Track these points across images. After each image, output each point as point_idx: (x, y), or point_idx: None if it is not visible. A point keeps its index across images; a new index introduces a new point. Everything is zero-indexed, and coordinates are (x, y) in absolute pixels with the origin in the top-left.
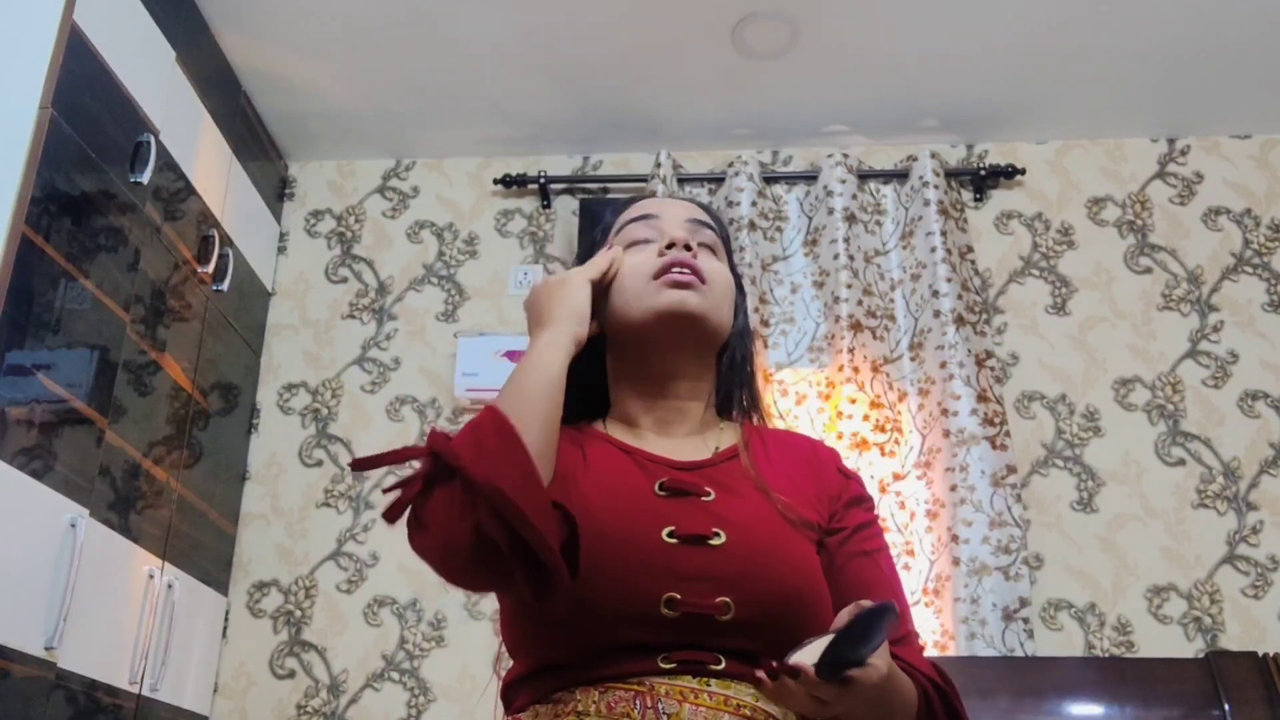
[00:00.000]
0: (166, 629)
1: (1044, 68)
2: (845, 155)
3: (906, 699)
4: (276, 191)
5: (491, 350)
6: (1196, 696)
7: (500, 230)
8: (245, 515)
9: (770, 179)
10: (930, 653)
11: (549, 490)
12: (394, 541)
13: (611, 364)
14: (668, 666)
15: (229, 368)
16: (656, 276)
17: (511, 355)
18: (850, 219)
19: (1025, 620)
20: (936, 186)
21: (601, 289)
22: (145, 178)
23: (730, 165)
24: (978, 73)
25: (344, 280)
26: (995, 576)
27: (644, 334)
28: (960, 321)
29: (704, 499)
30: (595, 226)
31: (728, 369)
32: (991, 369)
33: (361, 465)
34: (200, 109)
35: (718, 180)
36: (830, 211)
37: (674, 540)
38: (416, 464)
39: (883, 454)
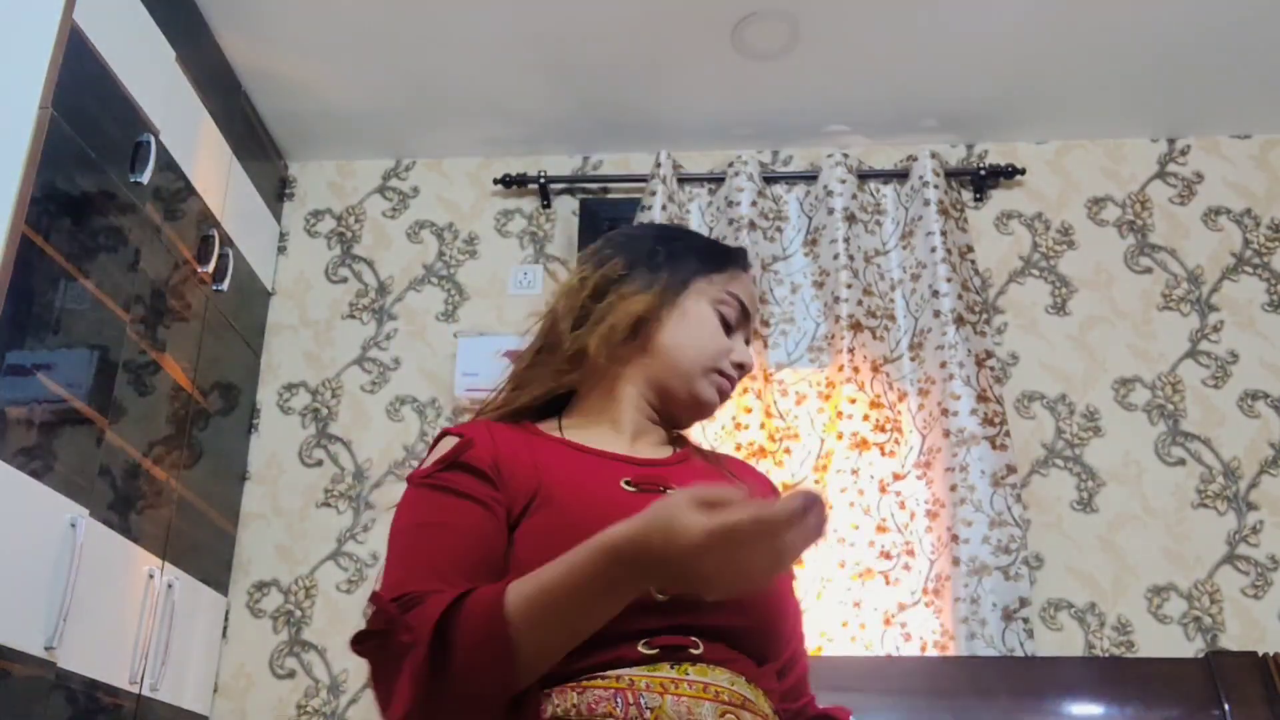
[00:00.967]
0: (166, 629)
1: (1044, 68)
2: (845, 155)
3: None
4: (276, 191)
5: (491, 350)
6: (1196, 696)
7: (500, 230)
8: (245, 515)
9: (770, 179)
10: (930, 653)
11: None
12: None
13: (623, 367)
14: (649, 652)
15: (229, 368)
16: (715, 369)
17: (512, 355)
18: (850, 219)
19: (1025, 620)
20: (936, 186)
21: (663, 310)
22: (145, 178)
23: (730, 165)
24: (978, 73)
25: (344, 280)
26: (995, 576)
27: (669, 394)
28: (960, 321)
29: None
30: (595, 226)
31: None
32: (991, 369)
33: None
34: (200, 109)
35: (718, 180)
36: (830, 211)
37: None
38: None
39: (883, 454)
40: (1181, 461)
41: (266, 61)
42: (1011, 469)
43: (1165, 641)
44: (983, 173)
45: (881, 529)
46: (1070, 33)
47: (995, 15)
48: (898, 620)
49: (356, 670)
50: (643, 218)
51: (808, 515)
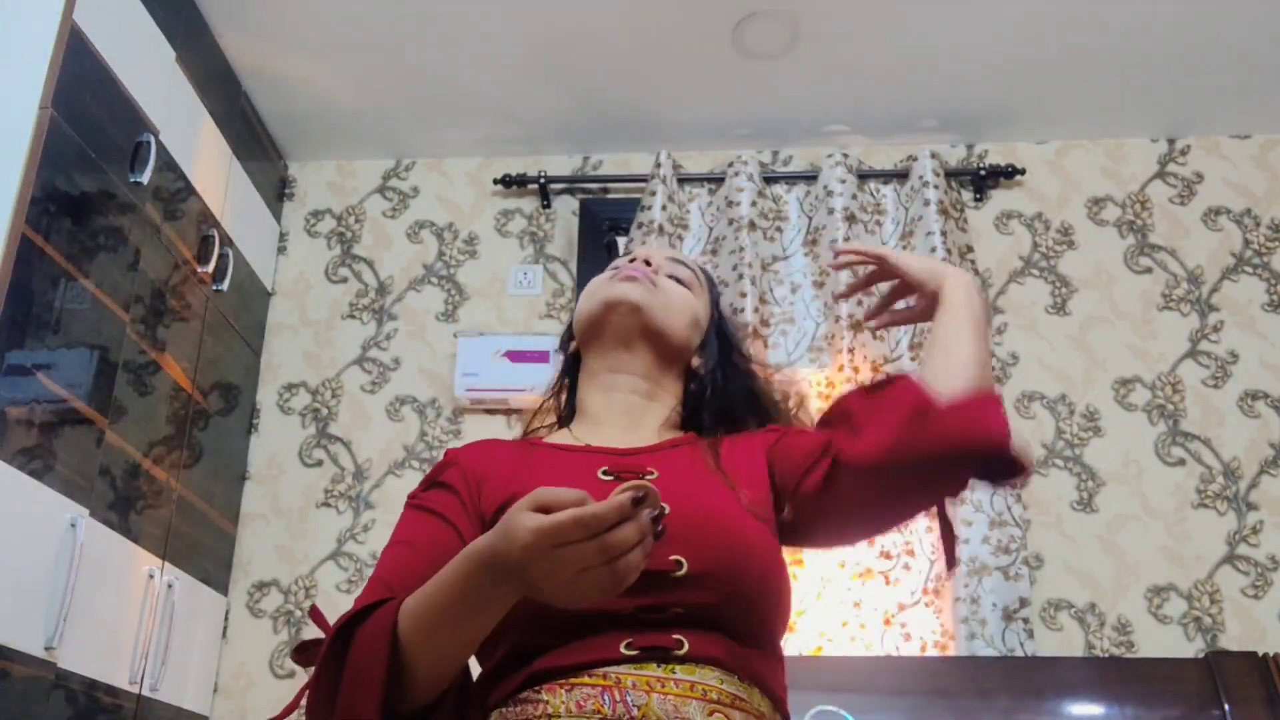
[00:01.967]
0: (166, 629)
1: (1044, 68)
2: (845, 155)
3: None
4: (276, 191)
5: (491, 350)
6: (1196, 696)
7: (500, 230)
8: (245, 515)
9: (770, 179)
10: (930, 653)
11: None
12: None
13: (581, 370)
14: (630, 653)
15: (229, 368)
16: (605, 282)
17: (512, 355)
18: (850, 219)
19: (1025, 620)
20: (936, 186)
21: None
22: (145, 178)
23: (730, 165)
24: (978, 73)
25: (344, 280)
26: (995, 576)
27: (593, 323)
28: None
29: (647, 477)
30: (595, 227)
31: (696, 391)
32: (992, 369)
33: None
34: (200, 109)
35: (718, 180)
36: (830, 211)
37: None
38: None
39: None
40: (1181, 461)
41: (266, 61)
42: None
43: (1165, 642)
44: (983, 173)
45: None
46: (1070, 33)
47: (995, 15)
48: (898, 620)
49: None
50: (643, 218)
51: (638, 510)
